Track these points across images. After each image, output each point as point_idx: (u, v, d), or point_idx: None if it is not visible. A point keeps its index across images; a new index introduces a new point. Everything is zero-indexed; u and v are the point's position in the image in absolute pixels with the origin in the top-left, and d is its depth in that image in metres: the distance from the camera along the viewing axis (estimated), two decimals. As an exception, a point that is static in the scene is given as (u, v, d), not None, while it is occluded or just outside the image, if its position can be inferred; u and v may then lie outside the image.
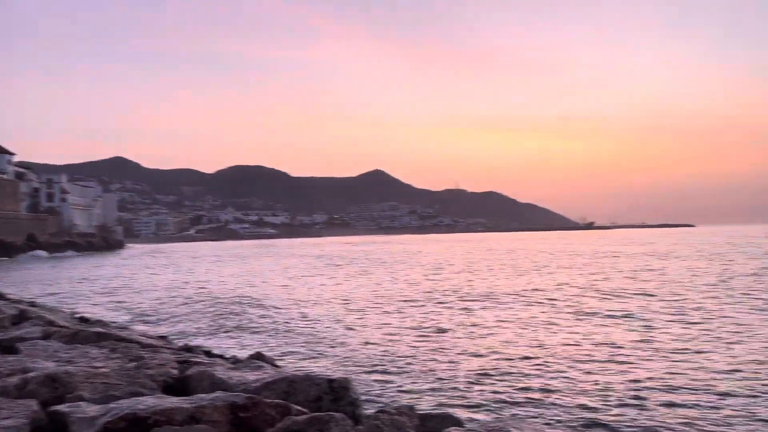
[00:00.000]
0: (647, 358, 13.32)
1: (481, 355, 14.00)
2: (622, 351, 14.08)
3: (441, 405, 9.88)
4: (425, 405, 9.79)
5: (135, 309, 24.50)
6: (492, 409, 9.83)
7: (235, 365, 7.28)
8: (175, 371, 5.92)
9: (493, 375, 12.02)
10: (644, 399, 10.12)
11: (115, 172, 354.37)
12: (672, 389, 10.67)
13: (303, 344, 15.97)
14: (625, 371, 12.13)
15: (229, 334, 18.05)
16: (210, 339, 16.97)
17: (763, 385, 10.86)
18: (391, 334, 17.08)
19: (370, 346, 15.31)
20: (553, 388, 10.95)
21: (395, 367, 12.96)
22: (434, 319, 19.78)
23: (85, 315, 16.91)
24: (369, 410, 5.57)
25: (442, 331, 17.54)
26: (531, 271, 41.12)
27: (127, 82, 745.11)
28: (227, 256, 78.83)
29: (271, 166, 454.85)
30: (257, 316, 21.58)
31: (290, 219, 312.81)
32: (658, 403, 9.92)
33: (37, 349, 6.83)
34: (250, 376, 5.67)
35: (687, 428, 8.74)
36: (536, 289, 28.54)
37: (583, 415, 9.38)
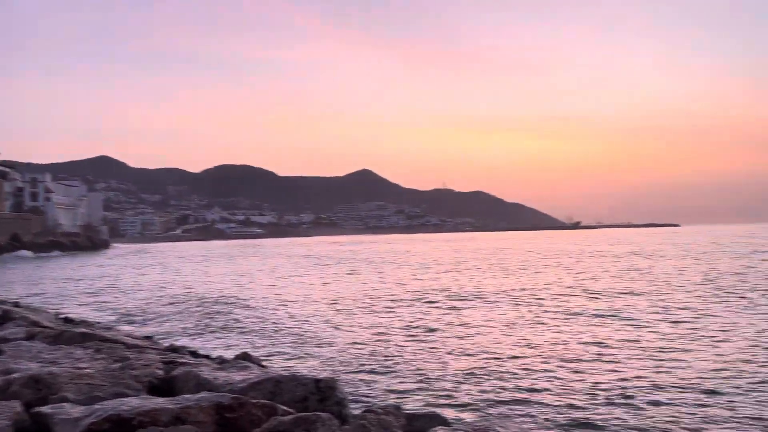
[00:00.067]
0: (634, 357, 13.41)
1: (468, 355, 14.02)
2: (609, 350, 14.16)
3: (428, 404, 9.88)
4: (412, 405, 9.79)
5: (120, 309, 24.33)
6: (479, 408, 9.84)
7: (222, 365, 7.23)
8: (160, 372, 5.87)
9: (480, 374, 12.04)
10: (631, 398, 10.18)
11: (100, 172, 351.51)
12: (659, 388, 10.74)
13: (290, 344, 15.92)
14: (612, 370, 12.20)
15: (216, 334, 17.97)
16: (196, 339, 16.88)
17: (748, 383, 10.96)
18: (378, 334, 17.08)
19: (357, 346, 15.30)
20: (540, 388, 10.99)
21: (382, 366, 12.95)
22: (422, 319, 19.80)
23: (70, 315, 16.76)
24: (356, 410, 5.56)
25: (430, 330, 17.56)
26: (518, 270, 41.26)
27: (112, 81, 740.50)
28: (214, 256, 78.50)
29: (258, 166, 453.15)
30: (244, 316, 21.50)
31: (277, 219, 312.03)
32: (644, 401, 9.98)
33: (20, 349, 6.76)
34: (237, 376, 5.64)
35: (674, 426, 8.80)
36: (524, 289, 28.64)
37: (571, 414, 9.42)
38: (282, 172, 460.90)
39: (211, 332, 18.25)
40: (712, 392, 10.42)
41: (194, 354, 9.65)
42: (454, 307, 22.57)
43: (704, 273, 34.65)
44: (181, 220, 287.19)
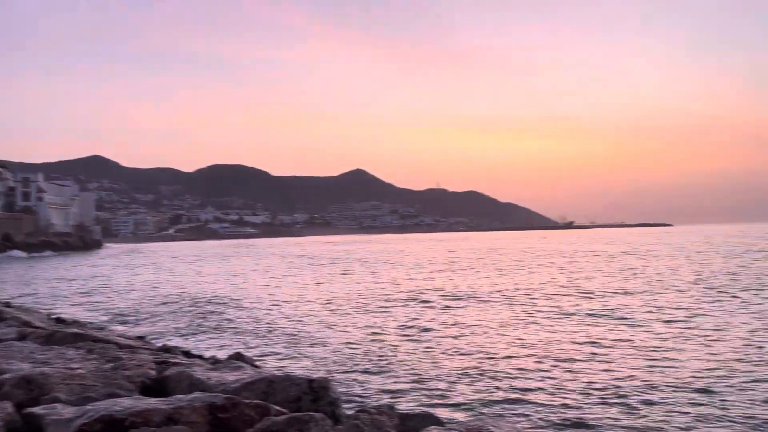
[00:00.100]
0: (627, 356, 13.44)
1: (462, 355, 14.03)
2: (602, 349, 14.20)
3: (422, 404, 9.88)
4: (406, 404, 9.79)
5: (113, 309, 24.24)
6: (473, 408, 9.85)
7: (215, 366, 7.21)
8: (153, 372, 5.85)
9: (474, 374, 12.05)
10: (625, 397, 10.21)
11: (92, 171, 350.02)
12: (652, 387, 10.77)
13: (283, 344, 15.90)
14: (606, 369, 12.23)
15: (209, 334, 17.93)
16: (189, 339, 16.83)
17: (741, 382, 11.01)
18: (372, 334, 17.07)
19: (350, 346, 15.29)
20: (534, 387, 11.01)
21: (376, 366, 12.95)
22: (416, 319, 19.81)
23: (62, 316, 16.69)
24: (349, 410, 5.55)
25: (424, 330, 17.57)
26: (512, 270, 41.34)
27: (105, 81, 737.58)
28: (207, 256, 78.33)
29: (251, 165, 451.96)
30: (237, 316, 21.46)
31: (271, 218, 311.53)
32: (638, 401, 10.00)
33: (12, 350, 6.71)
34: (230, 376, 5.62)
35: (667, 426, 8.83)
36: (517, 288, 28.69)
37: (564, 414, 9.44)
38: (275, 171, 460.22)
39: (204, 332, 18.21)
40: (705, 391, 10.47)
41: (187, 354, 9.62)
42: (447, 307, 22.60)
43: (697, 272, 34.80)
44: (174, 220, 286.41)
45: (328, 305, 24.05)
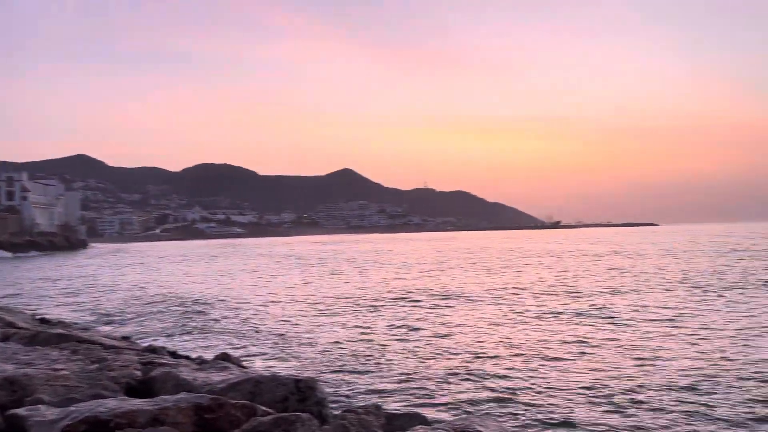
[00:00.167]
0: (615, 355, 13.52)
1: (450, 354, 14.06)
2: (590, 349, 14.27)
3: (409, 404, 9.89)
4: (393, 404, 9.79)
5: (98, 309, 24.07)
6: (460, 407, 9.87)
7: (201, 366, 7.18)
8: (138, 373, 5.82)
9: (461, 374, 12.07)
10: (611, 396, 10.26)
11: (77, 170, 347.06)
12: (639, 386, 10.83)
13: (271, 345, 15.85)
14: (593, 369, 12.29)
15: (195, 334, 17.84)
16: (175, 339, 16.75)
17: (727, 380, 11.10)
18: (360, 334, 17.06)
19: (338, 346, 15.27)
20: (521, 387, 11.04)
21: (364, 366, 12.94)
22: (404, 319, 19.82)
23: (47, 316, 16.55)
24: (336, 410, 5.55)
25: (412, 330, 17.58)
26: (500, 269, 41.46)
27: (90, 79, 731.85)
28: (194, 256, 77.96)
29: (238, 165, 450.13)
30: (224, 316, 21.37)
31: (258, 218, 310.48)
32: (625, 400, 10.06)
33: (-6, 351, 6.65)
34: (216, 376, 5.60)
35: (654, 425, 8.89)
36: (505, 288, 28.78)
37: (551, 413, 9.48)
38: (263, 171, 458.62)
39: (191, 332, 18.12)
40: (691, 390, 10.55)
41: (173, 354, 9.57)
42: (435, 307, 22.63)
43: (683, 272, 35.08)
44: (160, 220, 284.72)
45: (315, 305, 24.01)
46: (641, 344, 14.62)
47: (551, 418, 9.22)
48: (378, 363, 13.23)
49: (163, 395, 4.59)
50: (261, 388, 5.09)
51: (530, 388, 10.96)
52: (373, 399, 10.09)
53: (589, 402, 10.01)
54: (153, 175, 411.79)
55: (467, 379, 11.64)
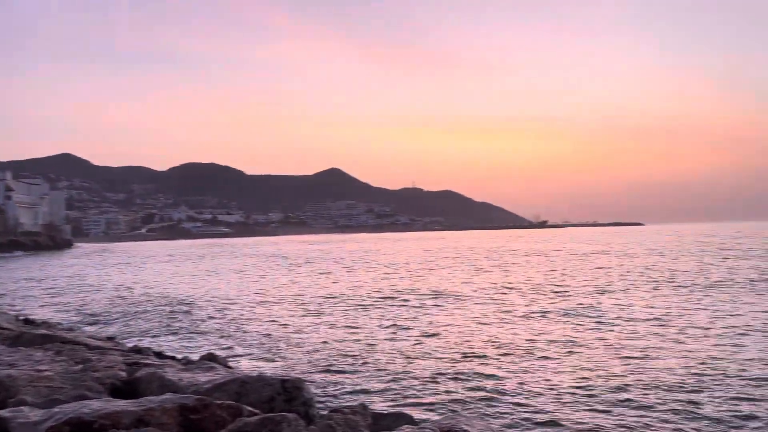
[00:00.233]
0: (601, 355, 13.60)
1: (437, 354, 14.08)
2: (576, 348, 14.34)
3: (396, 404, 9.90)
4: (380, 404, 9.79)
5: (84, 310, 23.90)
6: (446, 407, 9.89)
7: (187, 366, 7.15)
8: (123, 373, 5.78)
9: (449, 374, 12.10)
10: (597, 396, 10.31)
11: (62, 170, 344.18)
12: (624, 386, 10.89)
13: (257, 345, 15.81)
14: (580, 368, 12.36)
15: (181, 334, 17.75)
16: (161, 340, 16.66)
17: (712, 379, 11.20)
18: (347, 334, 17.05)
19: (326, 346, 15.25)
20: (507, 387, 11.08)
21: (351, 367, 12.94)
22: (391, 318, 19.83)
23: (31, 317, 16.42)
24: (323, 410, 5.54)
25: (399, 330, 17.58)
26: (488, 269, 41.58)
27: (76, 78, 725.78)
28: (180, 256, 77.56)
29: (225, 164, 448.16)
30: (210, 316, 21.29)
31: (245, 218, 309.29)
32: (610, 400, 10.12)
33: (-23, 352, 6.58)
34: (202, 377, 5.57)
35: (639, 424, 8.95)
36: (493, 288, 28.87)
37: (537, 413, 9.52)
38: (250, 170, 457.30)
39: (177, 333, 18.03)
40: (677, 388, 10.62)
41: (159, 355, 9.52)
42: (423, 306, 22.65)
43: (670, 271, 35.34)
44: (146, 219, 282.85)
45: (303, 305, 23.97)
46: (628, 343, 14.71)
47: (538, 418, 9.26)
48: (365, 363, 13.22)
49: (148, 396, 4.56)
50: (247, 389, 5.07)
51: (517, 387, 11.00)
52: (360, 399, 10.09)
53: (576, 401, 10.06)
54: (139, 174, 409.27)
55: (454, 379, 11.67)
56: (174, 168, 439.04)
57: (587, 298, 23.73)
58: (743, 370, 11.80)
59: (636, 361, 12.85)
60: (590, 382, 11.16)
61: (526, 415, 9.37)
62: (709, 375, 11.48)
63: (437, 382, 11.43)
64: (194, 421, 4.11)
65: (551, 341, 15.25)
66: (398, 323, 18.73)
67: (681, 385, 10.85)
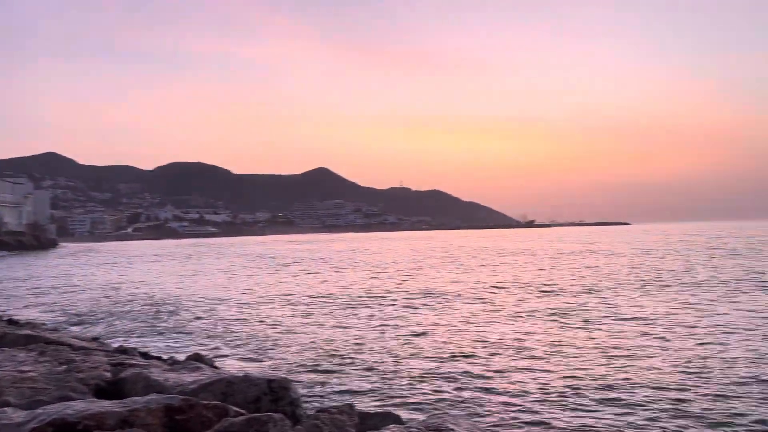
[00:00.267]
0: (588, 354, 13.66)
1: (425, 354, 14.09)
2: (563, 348, 14.39)
3: (383, 404, 9.89)
4: (367, 404, 9.78)
5: (69, 310, 23.71)
6: (433, 407, 9.89)
7: (173, 367, 7.10)
8: (108, 374, 5.74)
9: (437, 373, 12.11)
10: (584, 396, 10.35)
11: (47, 168, 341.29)
12: (611, 386, 10.94)
13: (244, 345, 15.75)
14: (567, 368, 12.40)
15: (167, 335, 17.65)
16: (147, 340, 16.56)
17: (698, 378, 11.29)
18: (334, 334, 17.03)
19: (313, 346, 15.22)
20: (495, 386, 11.10)
21: (339, 366, 12.92)
22: (379, 318, 19.82)
23: (14, 317, 16.26)
24: (310, 410, 5.52)
25: (387, 329, 17.58)
26: (475, 268, 41.68)
27: (61, 76, 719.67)
28: (166, 256, 77.13)
29: (212, 163, 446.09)
30: (197, 316, 21.18)
31: (232, 217, 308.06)
32: (597, 400, 10.16)
33: (-41, 353, 6.51)
34: (188, 377, 5.54)
35: (624, 425, 9.00)
36: (480, 287, 28.94)
37: (524, 413, 9.54)
38: (237, 169, 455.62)
39: (163, 333, 17.92)
40: (664, 387, 10.69)
41: (144, 355, 9.46)
42: (411, 306, 22.67)
43: (656, 270, 35.60)
44: (132, 219, 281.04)
45: (290, 305, 23.91)
46: (615, 342, 14.79)
47: (525, 417, 9.29)
48: (353, 363, 13.21)
49: (133, 396, 4.53)
50: (233, 389, 5.05)
51: (505, 386, 11.03)
52: (348, 399, 10.07)
53: (563, 400, 10.10)
54: (125, 173, 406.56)
55: (442, 379, 11.68)
56: (160, 167, 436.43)
57: (575, 298, 23.85)
58: (729, 368, 11.90)
59: (623, 360, 12.93)
60: (578, 382, 11.21)
61: (514, 415, 9.40)
62: (695, 373, 11.57)
63: (425, 382, 11.44)
64: (180, 422, 4.08)
65: (539, 340, 15.31)
66: (386, 323, 18.73)
67: (668, 383, 10.92)
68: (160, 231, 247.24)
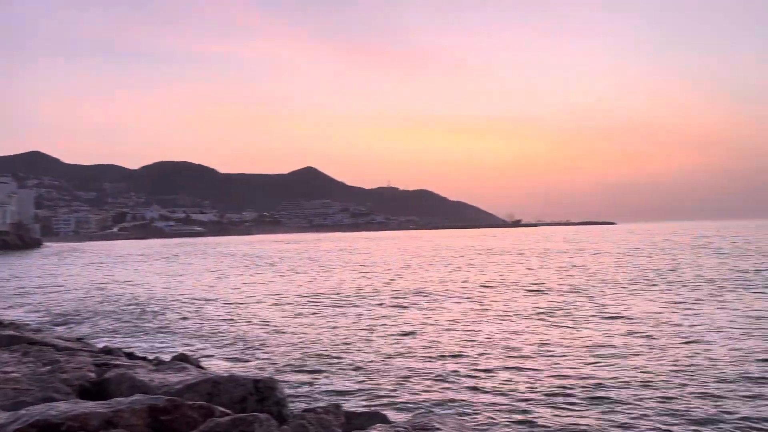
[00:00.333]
0: (574, 354, 13.72)
1: (413, 354, 14.09)
2: (549, 347, 14.44)
3: (370, 404, 9.88)
4: (353, 404, 9.77)
5: (53, 310, 23.50)
6: (420, 406, 9.89)
7: (158, 367, 7.05)
8: (92, 374, 5.69)
9: (422, 373, 12.11)
10: (571, 395, 10.38)
11: (31, 168, 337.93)
12: (597, 384, 10.98)
13: (231, 345, 15.68)
14: (553, 367, 12.45)
15: (153, 335, 17.55)
16: (132, 340, 16.45)
17: (683, 376, 11.36)
18: (321, 334, 16.99)
19: (300, 346, 15.18)
20: (481, 386, 11.12)
21: (325, 366, 12.89)
22: (366, 318, 19.80)
23: (-2, 317, 16.08)
24: (296, 410, 5.51)
25: (374, 329, 17.57)
26: (462, 268, 41.76)
27: (45, 74, 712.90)
28: (153, 255, 76.67)
29: (198, 162, 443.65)
30: (183, 316, 21.07)
31: (219, 217, 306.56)
32: (583, 398, 10.21)
33: (-60, 354, 6.43)
34: (173, 377, 5.50)
35: (612, 422, 9.04)
36: (468, 287, 29.00)
37: (511, 412, 9.56)
38: (224, 169, 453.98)
39: (148, 333, 17.81)
40: (649, 387, 10.75)
41: (130, 355, 9.39)
42: (398, 306, 22.66)
43: (641, 269, 35.83)
44: (118, 218, 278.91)
45: (277, 305, 23.84)
46: (603, 341, 14.87)
47: (511, 416, 9.31)
48: (340, 362, 13.19)
49: (118, 397, 4.49)
50: (219, 389, 5.02)
51: (492, 386, 11.05)
52: (334, 399, 10.05)
53: (551, 399, 10.13)
54: (110, 172, 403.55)
55: (429, 378, 11.68)
56: (146, 166, 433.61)
57: (562, 297, 23.95)
58: (714, 366, 12.00)
59: (610, 358, 12.99)
60: (565, 381, 11.24)
61: (501, 414, 9.42)
62: (682, 371, 11.65)
63: (412, 381, 11.44)
64: (164, 422, 4.05)
65: (527, 340, 15.36)
66: (374, 322, 18.72)
67: (654, 382, 10.99)
68: (146, 230, 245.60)
